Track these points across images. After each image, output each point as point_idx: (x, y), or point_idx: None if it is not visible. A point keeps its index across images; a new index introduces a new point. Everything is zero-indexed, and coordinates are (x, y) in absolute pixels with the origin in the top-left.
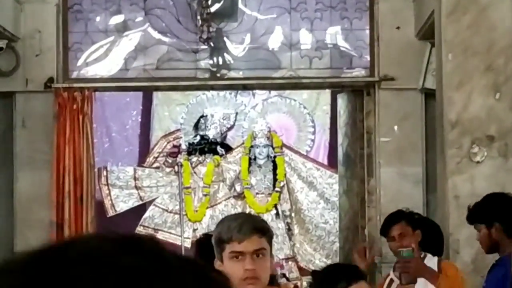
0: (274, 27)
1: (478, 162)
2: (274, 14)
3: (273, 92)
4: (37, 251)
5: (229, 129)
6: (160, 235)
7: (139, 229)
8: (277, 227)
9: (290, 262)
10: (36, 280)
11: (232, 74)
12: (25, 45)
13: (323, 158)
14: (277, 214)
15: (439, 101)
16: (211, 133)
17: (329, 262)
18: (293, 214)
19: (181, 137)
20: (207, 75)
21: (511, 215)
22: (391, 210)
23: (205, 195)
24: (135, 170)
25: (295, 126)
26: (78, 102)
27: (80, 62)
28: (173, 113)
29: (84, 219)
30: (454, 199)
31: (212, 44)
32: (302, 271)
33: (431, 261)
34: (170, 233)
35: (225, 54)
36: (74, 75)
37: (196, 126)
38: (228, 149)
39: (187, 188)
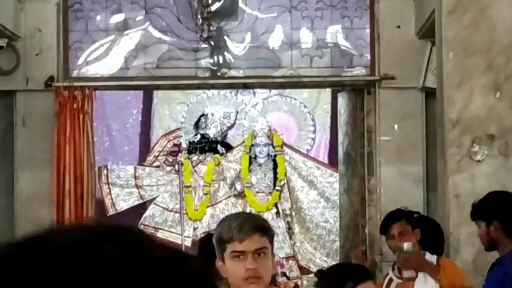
0: (275, 26)
1: (478, 161)
2: (274, 13)
3: (274, 91)
4: (18, 242)
5: (230, 128)
6: (160, 234)
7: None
8: (278, 226)
9: (290, 261)
10: (13, 271)
11: (233, 73)
12: (25, 44)
13: (323, 157)
14: (277, 213)
15: (440, 100)
16: (212, 132)
17: (329, 261)
18: (293, 213)
19: (181, 136)
20: (207, 74)
21: (510, 215)
22: (392, 209)
23: (205, 194)
24: (135, 169)
25: (295, 125)
26: (79, 101)
27: (80, 61)
28: (174, 112)
29: (84, 218)
30: (455, 198)
31: (212, 43)
32: (303, 270)
33: (430, 259)
34: (171, 232)
35: (225, 53)
36: (75, 74)
37: (197, 125)
38: (229, 148)
39: (187, 187)
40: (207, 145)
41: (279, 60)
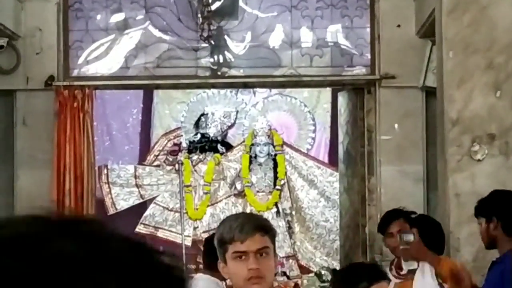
0: (275, 25)
1: (478, 160)
2: (274, 12)
3: (274, 90)
4: None
5: (230, 127)
6: (160, 233)
7: (140, 227)
8: (278, 225)
9: (290, 260)
10: None
11: (233, 72)
12: (25, 43)
13: (323, 156)
14: (277, 212)
15: (440, 99)
16: (212, 131)
17: (329, 260)
18: (293, 212)
19: (181, 135)
20: (207, 73)
21: (510, 214)
22: (392, 208)
23: (205, 193)
24: (135, 168)
25: (295, 124)
26: (79, 100)
27: (80, 60)
28: (174, 111)
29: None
30: (455, 197)
31: (212, 42)
32: (303, 269)
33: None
34: (171, 231)
35: (225, 52)
36: (75, 73)
37: (197, 124)
38: (229, 147)
39: (187, 186)
40: (207, 145)
41: (279, 60)
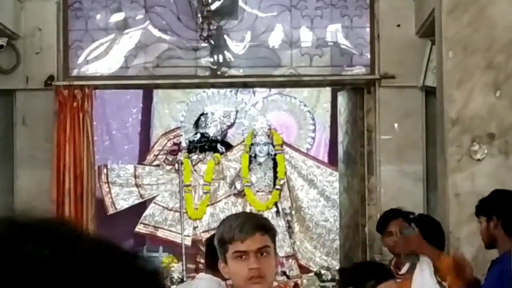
0: (275, 25)
1: (478, 160)
2: (274, 12)
3: (274, 90)
4: None
5: (230, 127)
6: (160, 233)
7: (140, 227)
8: (278, 225)
9: (290, 260)
10: None
11: (233, 72)
12: (25, 43)
13: (323, 156)
14: (277, 212)
15: (440, 99)
16: (212, 131)
17: (329, 260)
18: (293, 212)
19: (181, 135)
20: (207, 73)
21: (511, 213)
22: (391, 208)
23: (205, 193)
24: (135, 168)
25: (295, 124)
26: (79, 100)
27: (80, 60)
28: (174, 111)
29: (84, 217)
30: (455, 197)
31: (212, 42)
32: (302, 269)
33: (425, 259)
34: (171, 231)
35: (225, 52)
36: (75, 73)
37: (197, 124)
38: (229, 147)
39: (187, 186)
40: (207, 144)
41: (279, 59)
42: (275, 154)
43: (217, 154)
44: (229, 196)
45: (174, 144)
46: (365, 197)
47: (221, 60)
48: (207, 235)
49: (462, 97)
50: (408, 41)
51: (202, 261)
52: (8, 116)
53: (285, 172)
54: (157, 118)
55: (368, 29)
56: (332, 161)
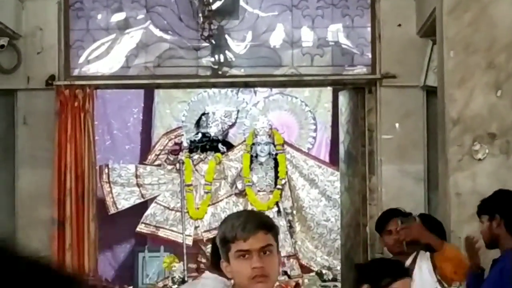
0: (276, 25)
1: (479, 159)
2: (275, 12)
3: (275, 90)
4: None
5: (231, 126)
6: (161, 233)
7: (141, 227)
8: (279, 224)
9: (291, 260)
10: None
11: (234, 71)
12: (26, 42)
13: (324, 155)
14: (278, 211)
15: (441, 98)
16: (213, 130)
17: (330, 259)
18: (294, 212)
19: (182, 135)
20: (208, 73)
21: None
22: (389, 208)
23: (206, 193)
24: (136, 167)
25: (296, 124)
26: (80, 99)
27: (81, 60)
28: (175, 111)
29: (85, 216)
30: (456, 196)
31: (213, 41)
32: (304, 268)
33: (424, 256)
34: (172, 230)
35: (226, 52)
36: (76, 72)
37: (198, 124)
38: (230, 146)
39: (188, 185)
40: (208, 144)
41: (280, 59)
42: (276, 154)
43: (218, 154)
44: (230, 195)
45: (175, 143)
46: (366, 197)
47: (222, 60)
48: (208, 234)
49: (463, 97)
50: (409, 41)
51: (204, 260)
52: (9, 116)
53: (286, 172)
54: (158, 118)
55: (369, 29)
56: (333, 160)
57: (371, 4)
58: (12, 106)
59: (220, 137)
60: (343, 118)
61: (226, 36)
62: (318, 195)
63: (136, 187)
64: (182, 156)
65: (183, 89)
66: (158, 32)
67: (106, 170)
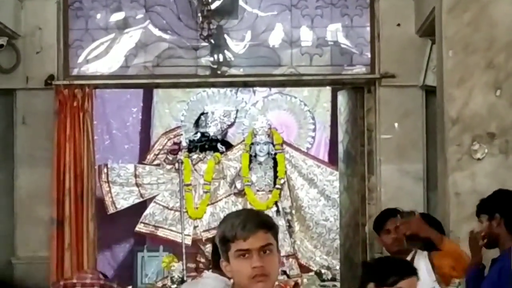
0: (275, 24)
1: (478, 159)
2: (274, 11)
3: (274, 89)
4: None
5: (230, 126)
6: (160, 232)
7: (140, 226)
8: (278, 224)
9: (290, 259)
10: None
11: (233, 71)
12: (25, 42)
13: (323, 155)
14: (277, 211)
15: (440, 98)
16: (212, 130)
17: (329, 259)
18: (293, 211)
19: (181, 134)
20: (207, 72)
21: None
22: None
23: (205, 192)
24: (135, 167)
25: (295, 123)
26: (79, 99)
27: (80, 59)
28: (174, 110)
29: (84, 216)
30: (455, 196)
31: (212, 41)
32: (303, 268)
33: (422, 255)
34: (171, 230)
35: (225, 51)
36: (75, 72)
37: (197, 123)
38: (229, 146)
39: (187, 185)
40: (207, 144)
41: (279, 59)
42: (275, 154)
43: (217, 154)
44: (229, 195)
45: (175, 143)
46: (365, 197)
47: (221, 60)
48: (207, 234)
49: (462, 97)
50: (408, 40)
51: (203, 260)
52: (8, 115)
53: (285, 172)
54: (157, 118)
55: (368, 29)
56: (332, 160)
57: (370, 3)
58: (11, 106)
59: (219, 137)
60: (342, 117)
61: (225, 35)
62: (317, 195)
63: (135, 186)
64: (181, 155)
65: (182, 89)
66: (157, 32)
67: (105, 170)
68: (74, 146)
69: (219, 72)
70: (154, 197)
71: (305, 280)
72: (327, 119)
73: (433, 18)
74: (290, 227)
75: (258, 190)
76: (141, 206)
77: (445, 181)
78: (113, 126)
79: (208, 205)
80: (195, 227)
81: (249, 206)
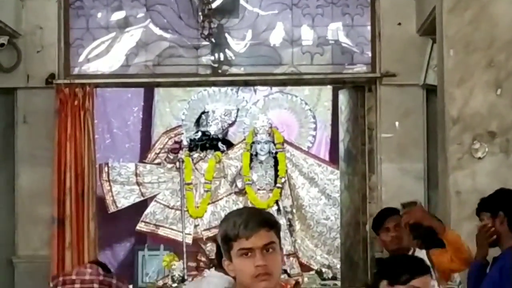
0: (276, 23)
1: (479, 158)
2: (275, 10)
3: (275, 88)
4: None
5: (231, 125)
6: (161, 231)
7: (141, 225)
8: None
9: (291, 258)
10: None
11: (234, 70)
12: (26, 41)
13: (324, 154)
14: (278, 210)
15: (441, 97)
16: (213, 129)
17: (330, 258)
18: (294, 210)
19: (182, 133)
20: (208, 71)
21: None
22: (392, 206)
23: (206, 191)
24: (136, 166)
25: (296, 122)
26: (80, 98)
27: (81, 58)
28: (175, 109)
29: (85, 215)
30: (456, 195)
31: (213, 40)
32: (303, 267)
33: (420, 254)
34: (172, 229)
35: (226, 50)
36: (76, 71)
37: (198, 122)
38: (230, 145)
39: (188, 184)
40: (208, 142)
41: (280, 57)
42: (276, 153)
43: (218, 153)
44: (230, 194)
45: (175, 142)
46: (366, 195)
47: (222, 59)
48: (208, 233)
49: (463, 96)
50: (409, 39)
51: (203, 259)
52: (9, 114)
53: (286, 170)
54: (158, 117)
55: (369, 27)
56: (333, 159)
57: (371, 2)
58: (12, 105)
59: (220, 136)
60: (343, 116)
61: (226, 34)
62: (318, 194)
63: (136, 185)
64: (182, 154)
65: (183, 88)
66: (158, 31)
67: (106, 169)
68: (75, 145)
69: (220, 71)
70: (155, 196)
71: (305, 279)
72: (328, 118)
73: (434, 17)
74: (290, 226)
75: (259, 189)
76: (142, 205)
77: (446, 180)
78: (113, 125)
79: (209, 204)
80: (195, 226)
81: (250, 205)
